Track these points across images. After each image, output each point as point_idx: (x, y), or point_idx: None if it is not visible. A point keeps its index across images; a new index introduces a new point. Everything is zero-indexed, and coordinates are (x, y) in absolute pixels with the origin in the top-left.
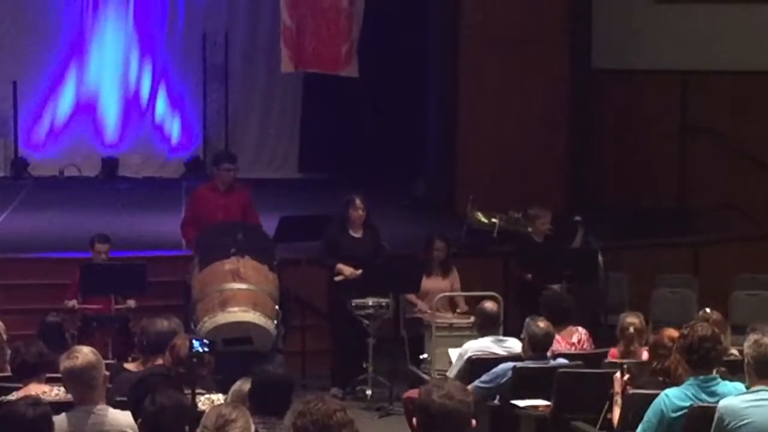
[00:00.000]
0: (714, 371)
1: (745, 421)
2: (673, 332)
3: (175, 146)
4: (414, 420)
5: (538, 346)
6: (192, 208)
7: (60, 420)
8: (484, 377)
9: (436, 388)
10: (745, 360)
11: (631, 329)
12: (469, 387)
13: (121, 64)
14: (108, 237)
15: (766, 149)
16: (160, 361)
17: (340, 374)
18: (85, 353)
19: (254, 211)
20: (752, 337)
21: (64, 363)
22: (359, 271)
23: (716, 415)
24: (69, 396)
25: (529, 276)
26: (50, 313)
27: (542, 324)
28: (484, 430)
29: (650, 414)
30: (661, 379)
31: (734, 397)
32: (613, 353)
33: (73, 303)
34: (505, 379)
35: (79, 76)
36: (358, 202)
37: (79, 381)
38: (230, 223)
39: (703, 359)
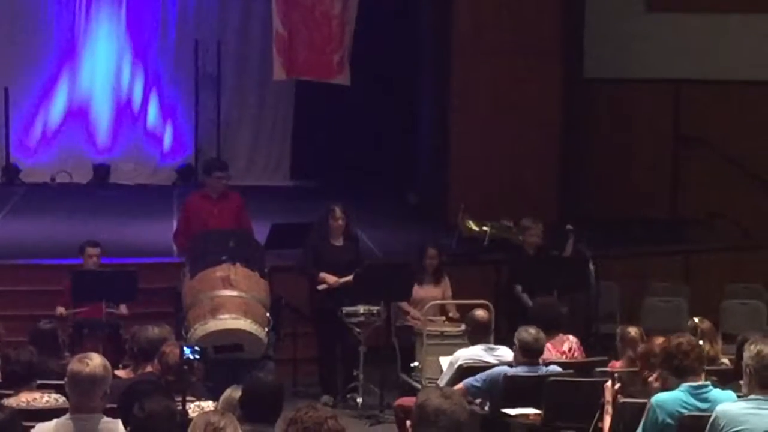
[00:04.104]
0: (703, 378)
1: (740, 427)
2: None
3: (166, 153)
4: (408, 423)
5: (529, 352)
6: (184, 216)
7: (48, 427)
8: (478, 376)
9: (436, 389)
10: (746, 369)
11: (633, 333)
12: (461, 384)
13: (113, 71)
14: (98, 242)
15: (758, 159)
16: (150, 368)
17: (327, 382)
18: (95, 365)
19: (247, 218)
20: (754, 348)
21: (73, 365)
22: (342, 280)
23: (712, 418)
24: (60, 403)
25: (519, 287)
26: (42, 320)
27: (532, 330)
28: None
29: (647, 422)
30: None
31: (732, 403)
32: (615, 365)
33: (60, 310)
34: (500, 383)
35: (71, 83)
36: (338, 211)
37: (78, 388)
38: (221, 231)
39: (684, 364)
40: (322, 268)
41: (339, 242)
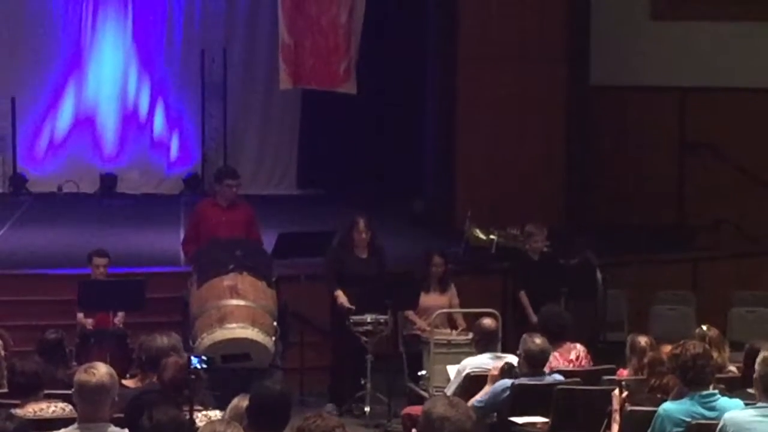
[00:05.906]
0: (711, 387)
1: None
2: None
3: (173, 162)
4: (413, 431)
5: (534, 362)
6: (194, 224)
7: None
8: (481, 397)
9: (443, 398)
10: (755, 376)
11: (643, 342)
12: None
13: (120, 81)
14: (106, 251)
15: (764, 166)
16: (157, 378)
17: (337, 391)
18: (101, 374)
19: (256, 228)
20: (763, 355)
21: (79, 375)
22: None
23: (720, 425)
24: (67, 412)
25: (523, 293)
26: (49, 330)
27: (538, 340)
28: None
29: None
30: (659, 396)
31: (740, 410)
32: (622, 373)
33: (90, 320)
34: (503, 396)
35: (77, 93)
36: (361, 224)
37: (85, 398)
38: (229, 240)
39: (699, 376)
40: (346, 280)
41: (364, 254)
